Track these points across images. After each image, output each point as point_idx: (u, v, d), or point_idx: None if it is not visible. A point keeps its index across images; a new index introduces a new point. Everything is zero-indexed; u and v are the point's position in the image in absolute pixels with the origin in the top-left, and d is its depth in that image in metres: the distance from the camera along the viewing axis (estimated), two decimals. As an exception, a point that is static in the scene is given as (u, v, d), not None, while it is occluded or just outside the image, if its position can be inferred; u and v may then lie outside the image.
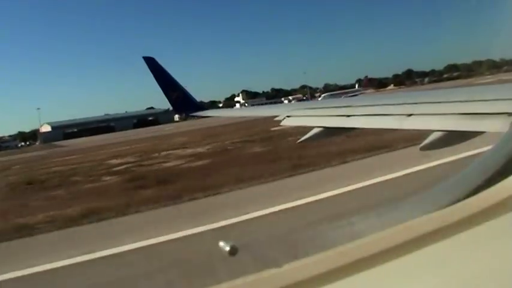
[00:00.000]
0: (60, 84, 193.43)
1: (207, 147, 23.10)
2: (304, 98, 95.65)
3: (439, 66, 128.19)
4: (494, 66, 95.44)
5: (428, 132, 2.82)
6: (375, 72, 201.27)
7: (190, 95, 7.77)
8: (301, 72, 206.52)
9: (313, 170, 10.94)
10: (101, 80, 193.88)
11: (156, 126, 77.10)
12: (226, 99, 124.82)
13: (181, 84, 7.74)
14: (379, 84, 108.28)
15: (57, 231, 8.43)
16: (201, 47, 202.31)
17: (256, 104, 65.41)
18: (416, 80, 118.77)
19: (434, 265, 0.85)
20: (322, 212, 6.97)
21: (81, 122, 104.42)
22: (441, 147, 2.88)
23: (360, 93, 66.11)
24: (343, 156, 11.92)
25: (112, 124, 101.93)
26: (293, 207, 7.56)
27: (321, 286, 0.77)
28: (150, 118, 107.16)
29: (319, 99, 51.62)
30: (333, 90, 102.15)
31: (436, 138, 2.78)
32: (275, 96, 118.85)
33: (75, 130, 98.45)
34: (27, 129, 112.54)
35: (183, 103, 7.63)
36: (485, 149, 1.62)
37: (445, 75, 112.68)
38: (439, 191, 1.33)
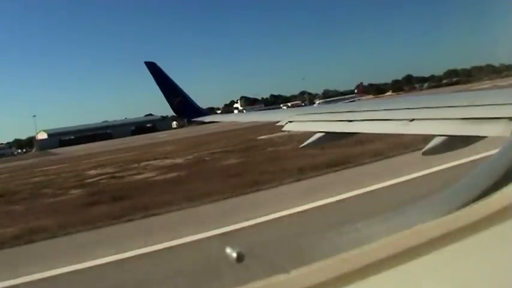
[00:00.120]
0: (59, 91, 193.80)
1: (188, 157, 23.22)
2: (303, 104, 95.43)
3: (440, 71, 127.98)
4: (494, 72, 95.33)
5: (430, 137, 2.84)
6: (374, 77, 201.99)
7: (192, 100, 7.74)
8: (300, 78, 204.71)
9: (270, 188, 10.45)
10: (101, 87, 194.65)
11: (153, 134, 77.03)
12: (226, 105, 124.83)
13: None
14: (377, 90, 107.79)
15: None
16: (200, 52, 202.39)
17: (254, 111, 65.58)
18: (416, 85, 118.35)
19: (442, 271, 0.85)
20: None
21: (78, 129, 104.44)
22: (443, 152, 2.91)
23: (356, 100, 65.72)
24: (314, 170, 11.50)
25: (109, 131, 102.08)
26: (221, 234, 7.05)
27: None
28: (148, 125, 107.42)
29: (314, 105, 51.51)
30: (333, 96, 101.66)
31: (438, 143, 2.81)
32: (274, 102, 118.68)
33: (72, 137, 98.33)
34: (24, 137, 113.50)
35: (185, 108, 7.61)
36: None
37: (444, 81, 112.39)
38: (445, 196, 1.33)
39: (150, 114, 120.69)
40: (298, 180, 10.67)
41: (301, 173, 11.33)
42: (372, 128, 3.40)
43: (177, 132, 68.88)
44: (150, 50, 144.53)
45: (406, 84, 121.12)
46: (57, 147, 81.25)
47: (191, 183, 12.87)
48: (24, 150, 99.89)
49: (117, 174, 19.54)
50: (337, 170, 11.30)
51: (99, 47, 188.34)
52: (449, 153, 2.94)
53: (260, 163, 15.28)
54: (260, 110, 74.10)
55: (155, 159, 24.50)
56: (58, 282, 6.18)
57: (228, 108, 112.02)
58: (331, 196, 8.30)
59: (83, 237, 8.35)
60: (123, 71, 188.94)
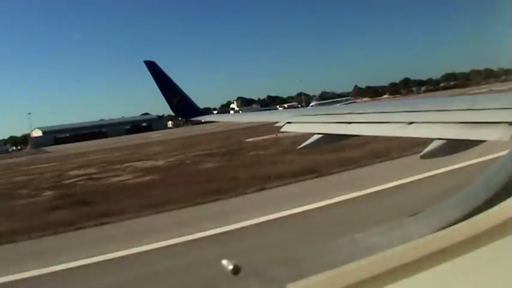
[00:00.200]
0: (58, 90, 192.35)
1: (170, 159, 23.22)
2: (299, 105, 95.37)
3: (438, 74, 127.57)
4: (492, 75, 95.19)
5: (429, 140, 2.83)
6: (373, 80, 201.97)
7: (191, 99, 7.70)
8: (298, 79, 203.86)
9: (231, 197, 10.24)
10: (99, 85, 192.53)
11: (147, 133, 76.96)
12: (222, 105, 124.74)
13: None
14: (374, 92, 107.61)
15: None
16: (198, 52, 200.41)
17: (249, 111, 65.69)
18: (413, 88, 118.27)
19: (441, 285, 0.84)
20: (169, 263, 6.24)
21: (73, 127, 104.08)
22: (442, 156, 2.90)
23: (351, 102, 65.51)
24: (281, 179, 11.27)
25: (104, 130, 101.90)
26: (156, 249, 6.83)
27: None
28: (144, 124, 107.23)
29: (308, 107, 51.42)
30: (330, 98, 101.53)
31: (436, 146, 2.81)
32: (271, 103, 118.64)
33: (67, 135, 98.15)
34: (19, 134, 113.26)
35: (184, 108, 7.58)
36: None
37: (442, 84, 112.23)
38: (444, 209, 1.31)
39: (147, 113, 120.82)
40: (261, 190, 10.46)
41: (268, 181, 11.15)
42: (371, 130, 3.37)
43: (171, 132, 68.89)
44: (148, 49, 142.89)
45: (404, 88, 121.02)
46: (52, 145, 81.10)
47: (157, 189, 12.78)
48: (19, 147, 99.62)
49: (95, 176, 19.44)
50: (305, 180, 11.06)
51: (98, 46, 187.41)
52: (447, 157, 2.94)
53: (235, 168, 15.18)
54: (256, 110, 74.20)
55: (139, 160, 24.52)
56: None
57: (225, 109, 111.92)
58: (279, 211, 7.99)
59: (23, 247, 8.18)
60: (121, 69, 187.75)
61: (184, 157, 23.14)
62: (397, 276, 0.81)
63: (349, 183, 10.30)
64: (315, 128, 4.01)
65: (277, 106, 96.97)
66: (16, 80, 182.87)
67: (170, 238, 7.22)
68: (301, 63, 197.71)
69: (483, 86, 76.77)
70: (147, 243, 7.07)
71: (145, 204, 10.05)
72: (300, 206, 8.14)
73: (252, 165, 15.58)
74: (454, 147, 2.81)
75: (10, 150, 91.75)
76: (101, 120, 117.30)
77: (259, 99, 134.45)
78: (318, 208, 8.00)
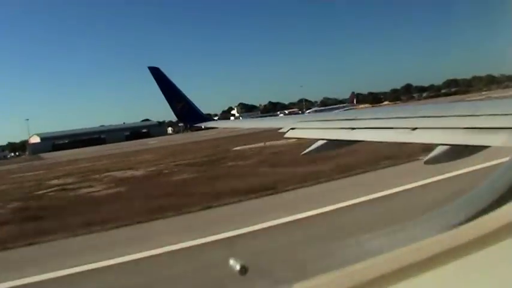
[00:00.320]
0: (58, 95, 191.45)
1: (150, 169, 23.19)
2: (300, 112, 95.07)
3: (440, 81, 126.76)
4: (494, 82, 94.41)
5: (433, 146, 2.84)
6: (375, 86, 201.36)
7: (195, 105, 7.73)
8: (300, 85, 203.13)
9: (167, 217, 9.71)
10: (100, 91, 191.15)
11: (145, 140, 76.93)
12: (223, 111, 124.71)
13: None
14: (374, 99, 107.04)
15: None
16: (199, 58, 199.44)
17: (250, 118, 65.51)
18: (414, 95, 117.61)
19: (446, 286, 0.84)
20: None
21: (72, 133, 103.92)
22: (446, 161, 2.90)
23: (349, 109, 65.07)
24: (237, 195, 10.79)
25: (103, 136, 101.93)
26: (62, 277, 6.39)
27: None
28: (144, 130, 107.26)
29: (305, 114, 51.17)
30: (332, 104, 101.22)
31: (440, 152, 2.82)
32: (272, 109, 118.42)
33: (66, 141, 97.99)
34: (18, 140, 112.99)
35: (188, 114, 7.62)
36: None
37: (443, 91, 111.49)
38: (449, 211, 1.31)
39: (147, 119, 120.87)
40: (205, 208, 9.93)
41: (218, 199, 10.67)
42: (375, 136, 3.37)
43: (168, 139, 68.84)
44: (149, 54, 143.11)
45: (406, 93, 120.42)
46: (50, 151, 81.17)
47: (112, 204, 12.41)
48: (17, 153, 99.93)
49: (69, 187, 19.20)
50: (258, 197, 10.54)
51: (99, 51, 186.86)
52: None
53: (203, 181, 14.83)
54: (256, 117, 73.93)
55: (120, 169, 24.37)
56: None
57: (226, 115, 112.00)
58: (216, 234, 7.47)
59: None
60: (123, 75, 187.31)
61: (165, 167, 22.94)
62: (402, 277, 0.81)
63: (314, 201, 9.62)
64: (319, 134, 4.05)
65: (278, 112, 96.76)
66: (15, 84, 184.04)
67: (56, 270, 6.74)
68: (303, 69, 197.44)
69: (483, 92, 76.13)
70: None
71: (85, 223, 9.65)
72: (215, 234, 7.53)
73: (221, 177, 15.17)
74: (458, 152, 2.82)
75: (8, 156, 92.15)
76: (101, 126, 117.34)
77: (260, 105, 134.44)
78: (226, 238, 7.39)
